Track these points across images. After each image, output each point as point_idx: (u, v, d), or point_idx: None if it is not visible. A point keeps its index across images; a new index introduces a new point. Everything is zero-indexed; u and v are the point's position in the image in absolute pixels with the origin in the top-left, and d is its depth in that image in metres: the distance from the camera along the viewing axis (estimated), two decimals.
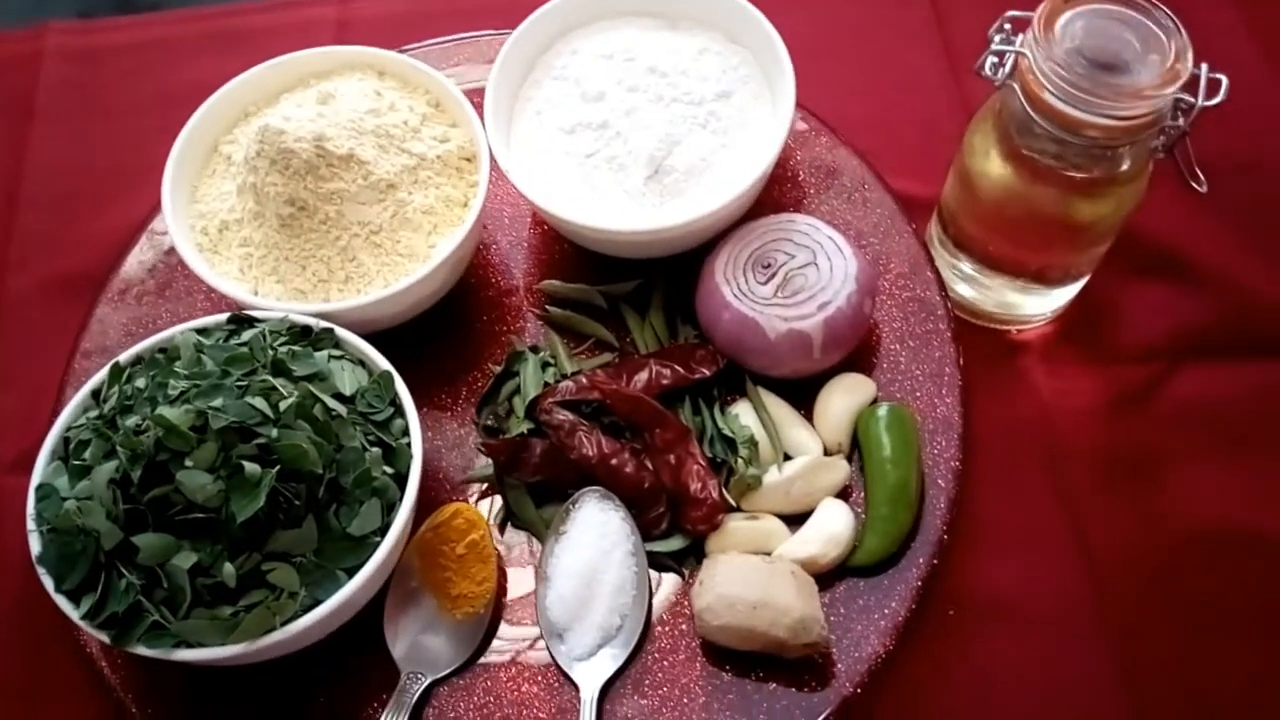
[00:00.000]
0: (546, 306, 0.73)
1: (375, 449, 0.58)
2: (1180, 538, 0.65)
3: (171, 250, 0.73)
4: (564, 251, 0.76)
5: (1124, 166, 0.60)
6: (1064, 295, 0.70)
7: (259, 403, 0.54)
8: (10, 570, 0.64)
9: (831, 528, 0.62)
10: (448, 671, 0.60)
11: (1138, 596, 0.63)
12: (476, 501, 0.66)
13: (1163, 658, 0.61)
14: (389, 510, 0.57)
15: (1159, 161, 0.61)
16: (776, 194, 0.76)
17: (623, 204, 0.68)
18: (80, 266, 0.76)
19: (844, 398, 0.66)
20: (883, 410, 0.65)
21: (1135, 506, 0.66)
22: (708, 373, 0.68)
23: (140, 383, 0.57)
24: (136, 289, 0.74)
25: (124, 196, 0.79)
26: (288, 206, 0.63)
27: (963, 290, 0.72)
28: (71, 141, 0.83)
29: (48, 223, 0.79)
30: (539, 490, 0.66)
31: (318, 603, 0.54)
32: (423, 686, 0.59)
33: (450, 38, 0.83)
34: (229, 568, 0.52)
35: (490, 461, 0.66)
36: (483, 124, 0.69)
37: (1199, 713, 0.60)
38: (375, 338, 0.64)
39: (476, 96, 0.70)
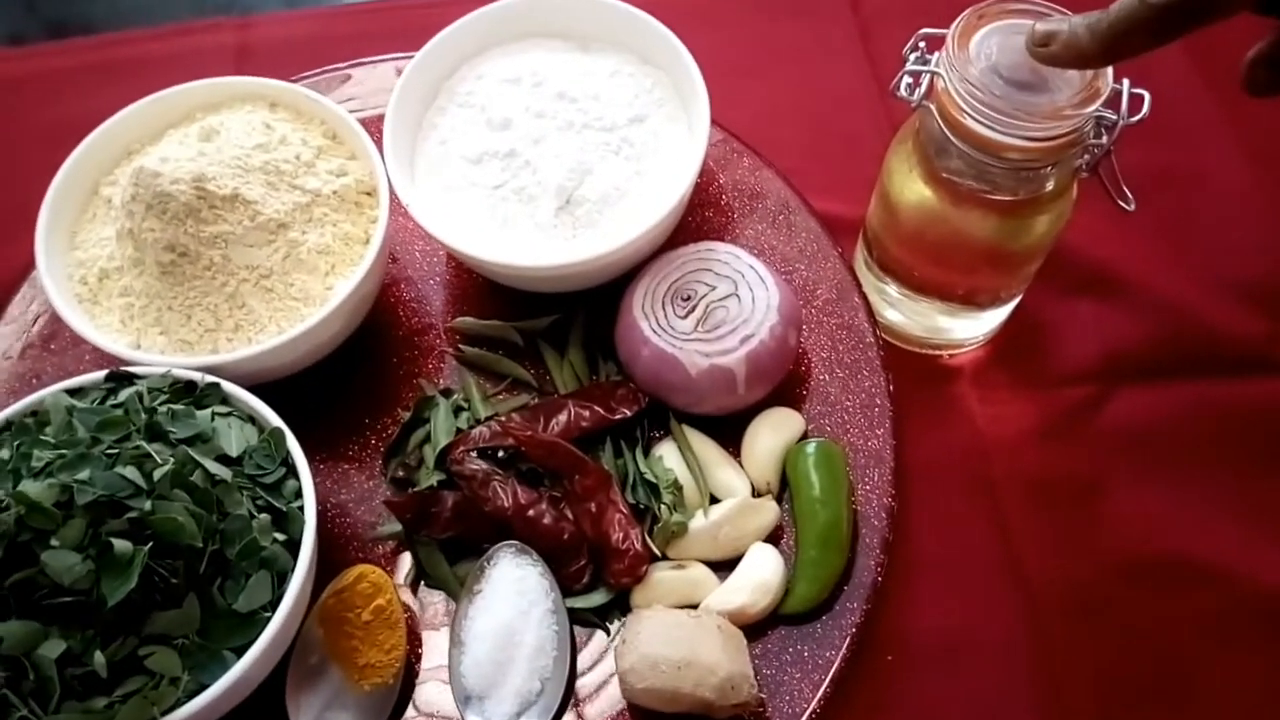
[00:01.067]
0: (460, 345, 0.69)
1: (264, 515, 0.53)
2: (1115, 564, 0.62)
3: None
4: (478, 286, 0.72)
5: (1048, 187, 0.57)
6: (995, 317, 0.68)
7: (130, 472, 0.50)
8: None
9: (760, 575, 0.59)
10: None
11: (1072, 627, 0.61)
12: (388, 559, 0.62)
13: (1095, 688, 0.59)
14: (280, 581, 0.53)
15: (1085, 179, 0.58)
16: (699, 219, 0.73)
17: (533, 237, 0.64)
18: None
19: (771, 435, 0.63)
20: (811, 447, 0.62)
21: (1070, 534, 0.64)
22: (629, 413, 0.64)
23: (4, 454, 0.53)
24: (18, 343, 0.69)
25: (1, 243, 0.74)
26: (168, 253, 0.59)
27: (891, 315, 0.70)
28: None
29: None
30: (452, 546, 0.62)
31: (203, 687, 0.49)
32: None
33: (352, 62, 0.79)
34: (99, 657, 0.47)
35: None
36: (381, 156, 0.65)
37: None
38: (273, 387, 0.60)
39: (380, 125, 0.67)
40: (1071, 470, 0.66)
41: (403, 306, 0.71)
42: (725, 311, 0.63)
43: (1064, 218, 0.60)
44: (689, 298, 0.64)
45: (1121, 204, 0.57)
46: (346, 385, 0.68)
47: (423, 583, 0.62)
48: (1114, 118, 0.54)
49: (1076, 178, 0.58)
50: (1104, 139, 0.55)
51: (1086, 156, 0.57)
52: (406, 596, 0.61)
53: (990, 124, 0.53)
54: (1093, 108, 0.53)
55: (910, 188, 0.60)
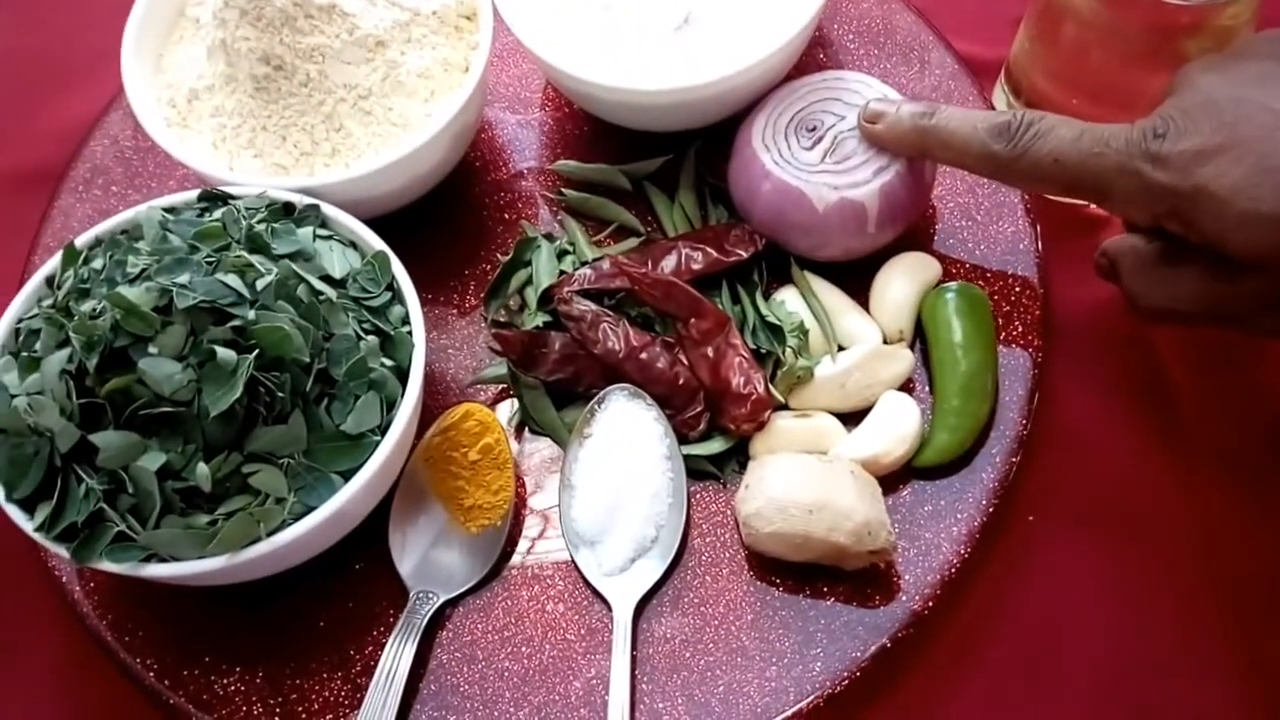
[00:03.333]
0: (562, 190, 0.65)
1: (371, 337, 0.50)
2: None
3: (138, 132, 0.65)
4: (581, 130, 0.67)
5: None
6: None
7: (232, 280, 0.46)
8: None
9: (896, 423, 0.54)
10: (462, 590, 0.53)
11: (1234, 504, 0.55)
12: (490, 406, 0.58)
13: (1260, 577, 0.54)
14: (389, 407, 0.49)
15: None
16: (820, 58, 0.67)
17: (646, 60, 0.59)
18: (38, 161, 0.68)
19: (905, 279, 0.58)
20: (951, 291, 0.56)
21: (1235, 401, 0.58)
22: (744, 255, 0.59)
23: (98, 264, 0.49)
24: (101, 178, 0.66)
25: (82, 83, 0.71)
26: (262, 65, 0.55)
27: None
28: (19, 29, 0.75)
29: (0, 114, 0.71)
30: (558, 391, 0.58)
31: (309, 510, 0.46)
32: (434, 607, 0.52)
33: None
34: (203, 469, 0.44)
35: (502, 361, 0.59)
36: None
37: None
38: (366, 225, 0.56)
39: None
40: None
41: (497, 151, 0.67)
42: (856, 142, 0.57)
43: (1250, 22, 0.53)
44: (815, 128, 0.58)
45: None
46: (441, 229, 0.64)
47: (527, 429, 0.58)
48: None
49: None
50: None
51: None
52: (511, 444, 0.57)
53: None
54: None
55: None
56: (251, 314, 0.46)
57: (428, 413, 0.56)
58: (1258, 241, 0.42)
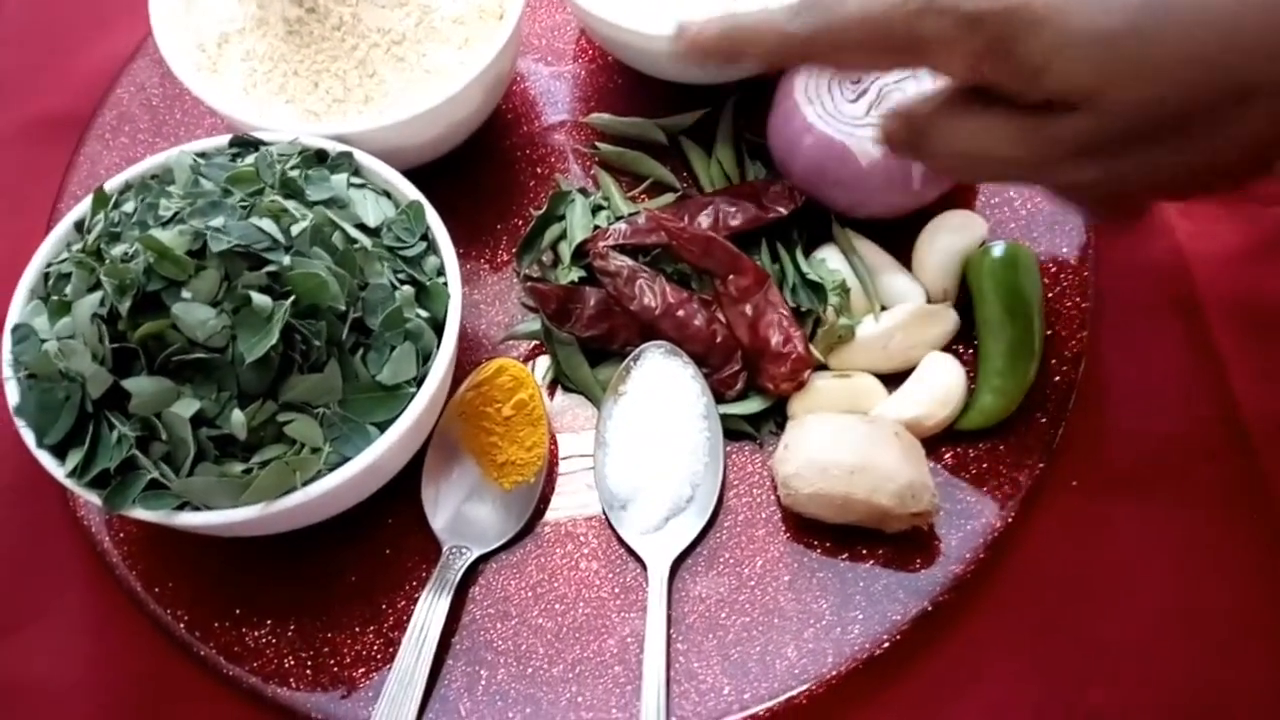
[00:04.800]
0: (596, 144, 0.63)
1: (406, 288, 0.49)
2: None
3: (165, 79, 0.64)
4: (615, 83, 0.66)
5: None
6: None
7: (268, 225, 0.45)
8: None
9: (940, 384, 0.53)
10: (496, 546, 0.52)
11: None
12: (524, 363, 0.57)
13: None
14: (424, 359, 0.48)
15: None
16: None
17: (684, 7, 0.57)
18: (66, 105, 0.67)
19: (950, 237, 0.56)
20: (998, 249, 0.55)
21: None
22: (783, 211, 0.58)
23: (129, 207, 0.48)
24: (128, 125, 0.65)
25: (110, 27, 0.69)
26: (295, 7, 0.53)
27: None
28: None
29: (26, 59, 0.70)
30: (592, 349, 0.57)
31: (344, 460, 0.46)
32: (467, 562, 0.51)
33: None
34: (238, 415, 0.43)
35: (535, 317, 0.58)
36: None
37: None
38: None
39: None
40: None
41: (530, 103, 0.66)
42: (903, 95, 0.56)
43: None
44: (859, 80, 0.57)
45: None
46: (474, 183, 0.63)
47: (560, 386, 0.57)
48: None
49: None
50: None
51: None
52: (545, 401, 0.56)
53: None
54: None
55: None
56: (287, 259, 0.45)
57: (460, 369, 0.55)
58: (1084, 68, 0.36)
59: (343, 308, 0.45)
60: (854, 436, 0.50)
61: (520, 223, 0.61)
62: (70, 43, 0.70)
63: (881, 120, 0.43)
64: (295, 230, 0.46)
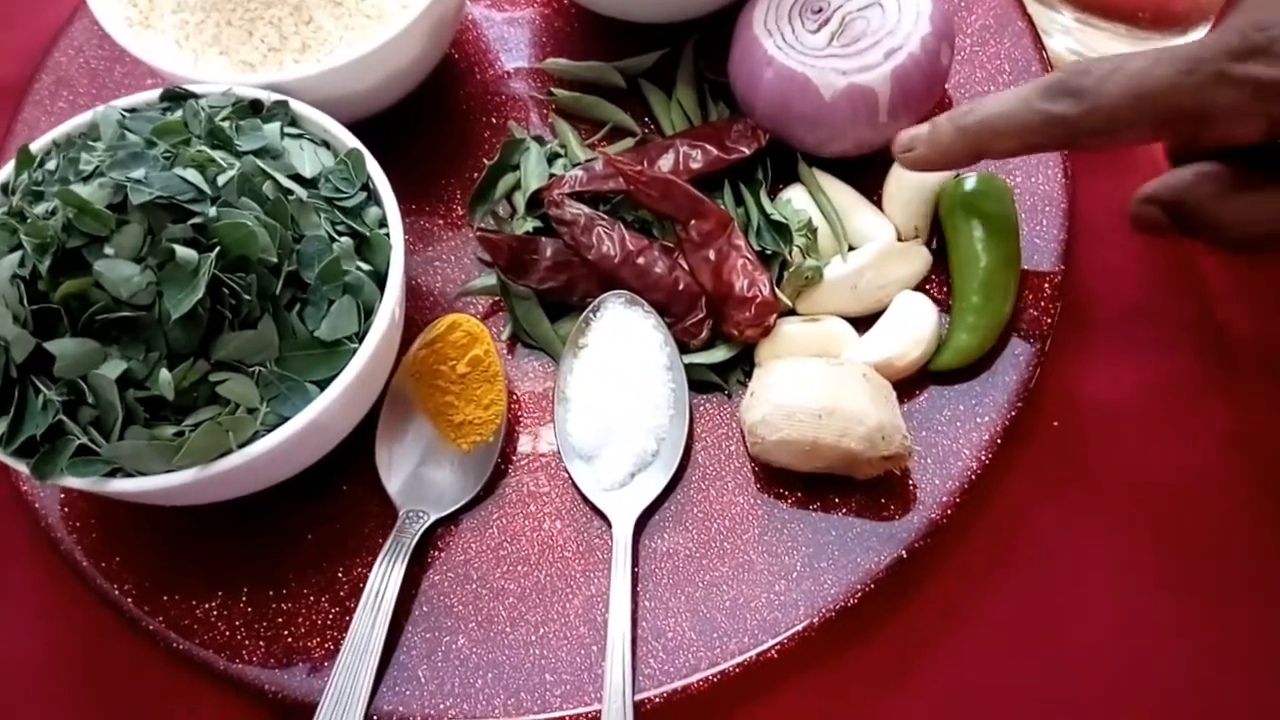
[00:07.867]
0: (552, 90, 0.61)
1: (345, 239, 0.47)
2: None
3: (104, 40, 0.61)
4: (571, 26, 0.63)
5: None
6: None
7: (191, 175, 0.43)
8: None
9: (912, 324, 0.51)
10: (454, 509, 0.50)
11: (1277, 395, 0.52)
12: (481, 320, 0.55)
13: None
14: (367, 313, 0.46)
15: None
16: None
17: None
18: (6, 75, 0.65)
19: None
20: (971, 182, 0.52)
21: (1270, 287, 0.54)
22: (746, 151, 0.56)
23: (51, 165, 0.46)
24: (67, 90, 0.62)
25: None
26: None
27: (1058, 46, 0.59)
28: None
29: None
30: (551, 302, 0.55)
31: (283, 420, 0.44)
32: (424, 526, 0.49)
33: None
34: (165, 375, 0.41)
35: (491, 271, 0.55)
36: None
37: None
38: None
39: None
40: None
41: (482, 50, 0.63)
42: (866, 23, 0.53)
43: None
44: (820, 9, 0.54)
45: None
46: (424, 135, 0.60)
47: (519, 342, 0.55)
48: None
49: None
50: None
51: None
52: (503, 358, 0.54)
53: None
54: None
55: None
56: (213, 211, 0.43)
57: (415, 328, 0.53)
58: None
59: (274, 260, 0.43)
60: (821, 379, 0.48)
61: (475, 175, 0.59)
62: (8, 14, 0.68)
63: (1136, 209, 0.43)
64: (222, 180, 0.43)
